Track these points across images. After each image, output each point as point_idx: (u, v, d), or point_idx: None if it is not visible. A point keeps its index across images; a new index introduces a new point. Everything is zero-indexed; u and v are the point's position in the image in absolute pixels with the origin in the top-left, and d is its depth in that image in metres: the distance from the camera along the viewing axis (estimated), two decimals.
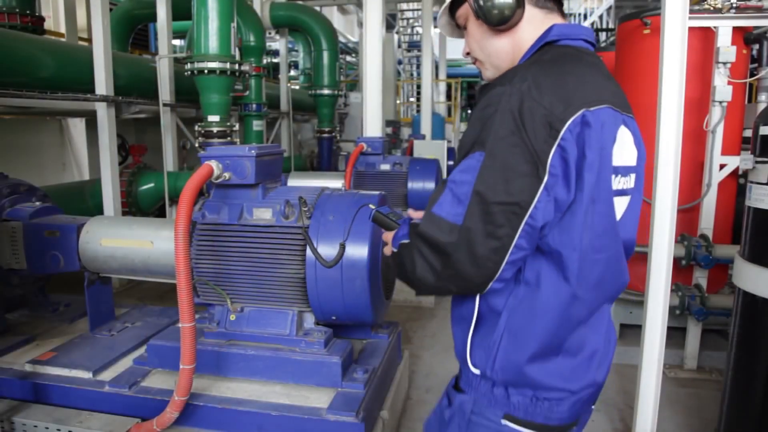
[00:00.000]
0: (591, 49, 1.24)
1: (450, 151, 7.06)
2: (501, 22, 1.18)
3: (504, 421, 1.18)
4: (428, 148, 8.36)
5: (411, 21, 14.91)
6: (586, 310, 1.16)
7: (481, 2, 1.17)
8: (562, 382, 1.16)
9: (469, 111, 16.88)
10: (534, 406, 1.17)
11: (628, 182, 1.21)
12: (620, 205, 1.20)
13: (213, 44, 4.27)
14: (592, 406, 1.35)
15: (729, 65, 3.33)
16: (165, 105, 5.16)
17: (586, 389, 1.19)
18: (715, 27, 3.35)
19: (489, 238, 1.04)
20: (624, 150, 1.16)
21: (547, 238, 1.09)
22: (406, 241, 1.17)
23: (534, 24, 1.21)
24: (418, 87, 15.08)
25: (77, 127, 6.06)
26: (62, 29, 6.67)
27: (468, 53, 1.32)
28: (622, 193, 1.19)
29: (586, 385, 1.19)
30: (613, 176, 1.13)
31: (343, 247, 2.21)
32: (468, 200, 1.05)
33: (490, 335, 1.17)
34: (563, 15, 1.26)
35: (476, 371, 1.20)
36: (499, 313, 1.15)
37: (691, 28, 2.56)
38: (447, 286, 1.12)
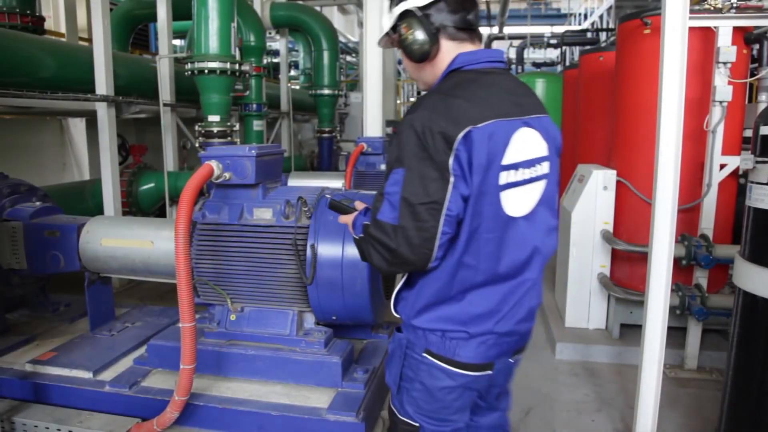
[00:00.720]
0: (499, 66, 1.54)
1: None
2: (422, 58, 1.51)
3: (425, 355, 1.53)
4: None
5: None
6: (482, 275, 1.47)
7: (405, 43, 1.50)
8: (457, 325, 1.49)
9: None
10: (443, 343, 1.51)
11: (539, 170, 1.53)
12: (537, 188, 1.54)
13: (213, 44, 4.26)
14: (510, 360, 1.65)
15: (729, 65, 3.32)
16: (165, 105, 5.16)
17: (484, 335, 1.50)
18: (715, 27, 3.35)
19: (419, 231, 1.36)
20: (523, 148, 1.46)
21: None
22: (362, 235, 1.48)
23: (450, 53, 1.52)
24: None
25: (77, 127, 6.06)
26: (62, 29, 6.66)
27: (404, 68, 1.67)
28: (533, 179, 1.51)
29: (483, 332, 1.50)
30: (507, 172, 1.43)
31: (313, 248, 2.23)
32: (399, 205, 1.37)
33: (409, 290, 1.55)
34: (479, 39, 1.56)
35: (398, 316, 1.59)
36: (419, 273, 1.50)
37: (691, 28, 2.56)
38: (397, 269, 1.47)
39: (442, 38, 1.50)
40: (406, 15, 1.49)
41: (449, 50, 1.52)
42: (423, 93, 1.60)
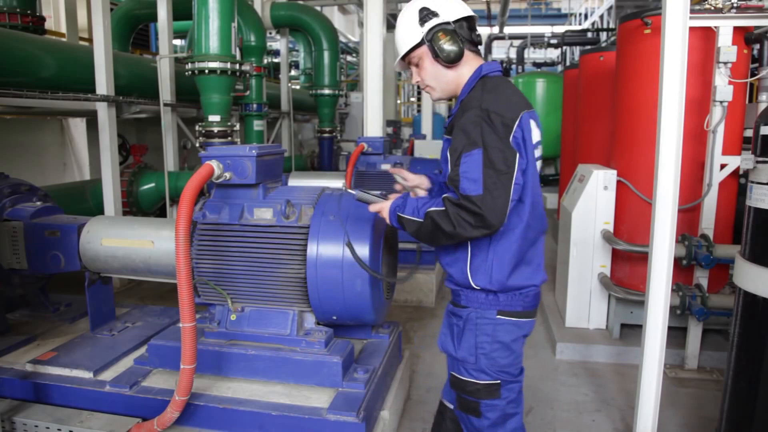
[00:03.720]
0: (501, 74, 1.91)
1: None
2: (453, 61, 1.82)
3: (498, 317, 1.81)
4: (429, 148, 8.34)
5: None
6: (534, 234, 1.83)
7: (439, 51, 1.79)
8: (529, 280, 1.83)
9: None
10: (511, 300, 1.81)
11: (539, 151, 1.88)
12: (539, 164, 1.89)
13: (214, 44, 4.27)
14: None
15: (730, 65, 3.32)
16: (166, 105, 5.16)
17: (539, 285, 1.87)
18: (715, 27, 3.34)
19: (498, 199, 1.63)
20: (535, 133, 1.82)
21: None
22: (438, 208, 1.69)
23: (468, 62, 1.86)
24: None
25: (78, 127, 6.07)
26: (63, 29, 6.67)
27: (417, 81, 1.94)
28: (539, 158, 1.88)
29: (539, 282, 1.86)
30: (535, 149, 1.81)
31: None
32: (481, 177, 1.63)
33: (483, 263, 1.79)
34: (480, 54, 1.93)
35: (477, 287, 1.80)
36: (486, 249, 1.78)
37: (691, 28, 2.56)
38: (474, 234, 1.66)
39: (465, 50, 1.82)
40: (436, 29, 1.78)
41: (469, 59, 1.85)
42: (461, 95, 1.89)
